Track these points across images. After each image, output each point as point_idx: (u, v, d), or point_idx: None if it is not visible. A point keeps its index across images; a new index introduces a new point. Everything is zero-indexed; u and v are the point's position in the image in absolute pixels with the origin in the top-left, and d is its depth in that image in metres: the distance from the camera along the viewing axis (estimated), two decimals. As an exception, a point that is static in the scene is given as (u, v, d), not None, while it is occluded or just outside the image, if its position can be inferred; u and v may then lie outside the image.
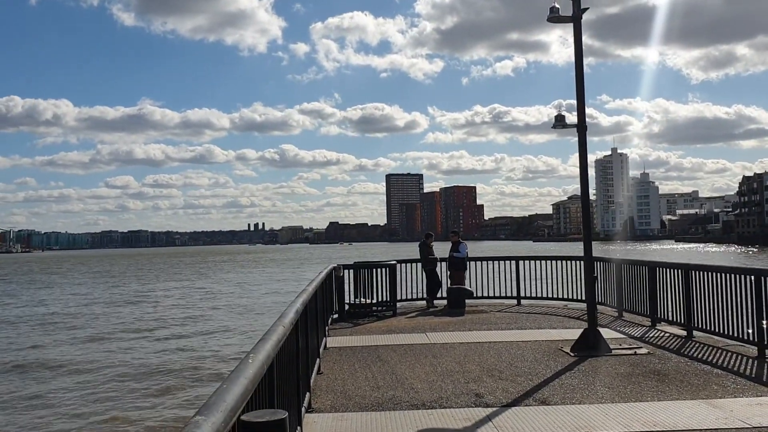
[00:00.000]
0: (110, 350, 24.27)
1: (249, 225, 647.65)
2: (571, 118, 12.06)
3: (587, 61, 12.45)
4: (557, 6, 11.60)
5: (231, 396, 2.73)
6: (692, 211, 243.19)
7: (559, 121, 12.04)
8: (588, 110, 11.88)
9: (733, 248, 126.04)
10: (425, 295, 17.79)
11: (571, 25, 11.61)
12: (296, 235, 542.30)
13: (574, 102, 11.68)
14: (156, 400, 16.49)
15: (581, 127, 11.60)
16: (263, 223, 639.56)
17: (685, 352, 10.71)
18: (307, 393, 7.59)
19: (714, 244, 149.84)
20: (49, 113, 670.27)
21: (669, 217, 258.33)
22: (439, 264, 17.78)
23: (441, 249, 18.73)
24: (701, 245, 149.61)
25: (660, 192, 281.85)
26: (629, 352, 10.82)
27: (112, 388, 17.80)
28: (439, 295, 17.61)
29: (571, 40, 11.88)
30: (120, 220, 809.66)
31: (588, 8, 11.57)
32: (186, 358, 21.95)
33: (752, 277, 10.30)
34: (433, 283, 17.69)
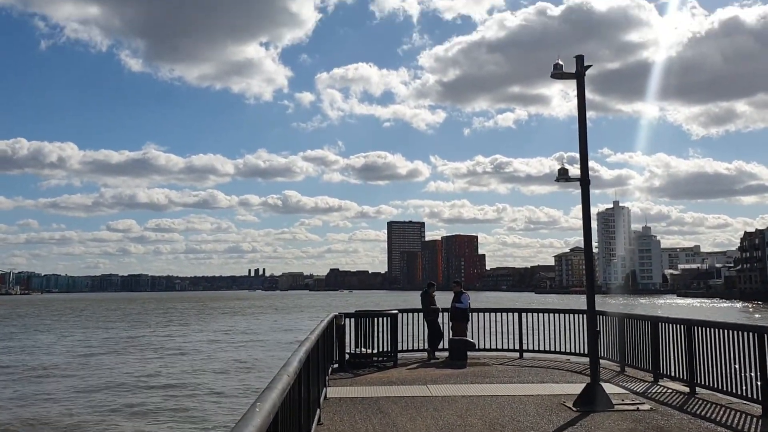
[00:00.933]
0: (96, 406, 23.71)
1: (250, 270, 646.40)
2: (574, 171, 12.22)
3: (588, 115, 12.71)
4: (561, 63, 11.88)
5: (241, 445, 2.75)
6: (694, 266, 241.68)
7: (563, 175, 12.18)
8: (590, 163, 12.05)
9: (738, 304, 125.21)
10: (426, 346, 17.68)
11: (573, 80, 11.87)
12: (296, 282, 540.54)
13: (575, 154, 11.87)
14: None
15: (584, 182, 11.73)
16: (264, 269, 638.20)
17: (688, 409, 10.62)
18: (308, 444, 7.51)
19: (724, 300, 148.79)
20: (54, 156, 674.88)
21: (671, 271, 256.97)
22: (441, 314, 17.72)
23: (443, 299, 18.69)
24: (707, 300, 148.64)
25: (661, 246, 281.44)
26: (632, 407, 10.73)
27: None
28: (440, 346, 17.51)
29: (572, 93, 12.14)
30: (121, 264, 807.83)
31: (591, 65, 11.84)
32: (177, 418, 21.53)
33: (755, 334, 10.27)
34: (435, 334, 17.58)
